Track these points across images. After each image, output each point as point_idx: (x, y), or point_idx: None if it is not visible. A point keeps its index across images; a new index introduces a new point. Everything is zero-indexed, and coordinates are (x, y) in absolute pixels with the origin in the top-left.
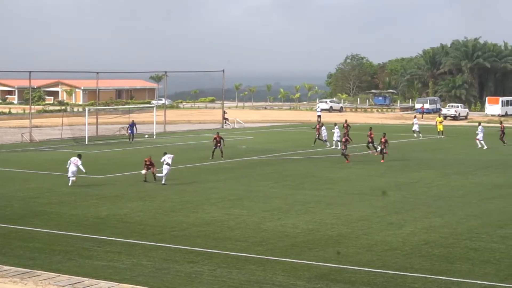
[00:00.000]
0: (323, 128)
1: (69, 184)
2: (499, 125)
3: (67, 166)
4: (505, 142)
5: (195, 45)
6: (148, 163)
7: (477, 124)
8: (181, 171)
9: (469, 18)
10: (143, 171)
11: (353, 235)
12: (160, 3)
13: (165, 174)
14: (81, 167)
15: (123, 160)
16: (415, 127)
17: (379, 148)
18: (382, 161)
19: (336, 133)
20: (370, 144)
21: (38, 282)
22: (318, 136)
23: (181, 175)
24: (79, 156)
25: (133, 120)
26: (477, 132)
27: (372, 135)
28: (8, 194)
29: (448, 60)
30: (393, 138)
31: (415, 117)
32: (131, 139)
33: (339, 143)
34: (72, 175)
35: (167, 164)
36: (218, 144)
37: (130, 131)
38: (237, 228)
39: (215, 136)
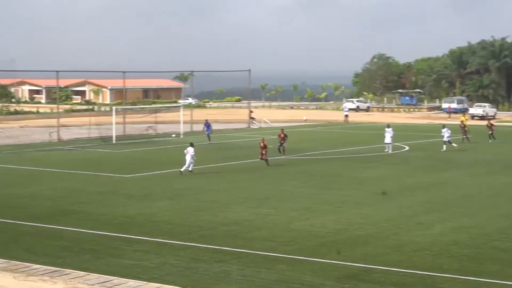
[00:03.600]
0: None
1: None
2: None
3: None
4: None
5: (220, 45)
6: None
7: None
8: (208, 171)
9: (496, 18)
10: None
11: (382, 235)
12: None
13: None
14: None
15: (150, 160)
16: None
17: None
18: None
19: (389, 134)
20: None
21: (67, 280)
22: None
23: (208, 174)
24: (192, 145)
25: (206, 120)
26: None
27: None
28: (37, 193)
29: (475, 60)
30: (421, 138)
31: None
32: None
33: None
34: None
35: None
36: (282, 142)
37: (207, 131)
38: (265, 228)
39: (279, 133)
